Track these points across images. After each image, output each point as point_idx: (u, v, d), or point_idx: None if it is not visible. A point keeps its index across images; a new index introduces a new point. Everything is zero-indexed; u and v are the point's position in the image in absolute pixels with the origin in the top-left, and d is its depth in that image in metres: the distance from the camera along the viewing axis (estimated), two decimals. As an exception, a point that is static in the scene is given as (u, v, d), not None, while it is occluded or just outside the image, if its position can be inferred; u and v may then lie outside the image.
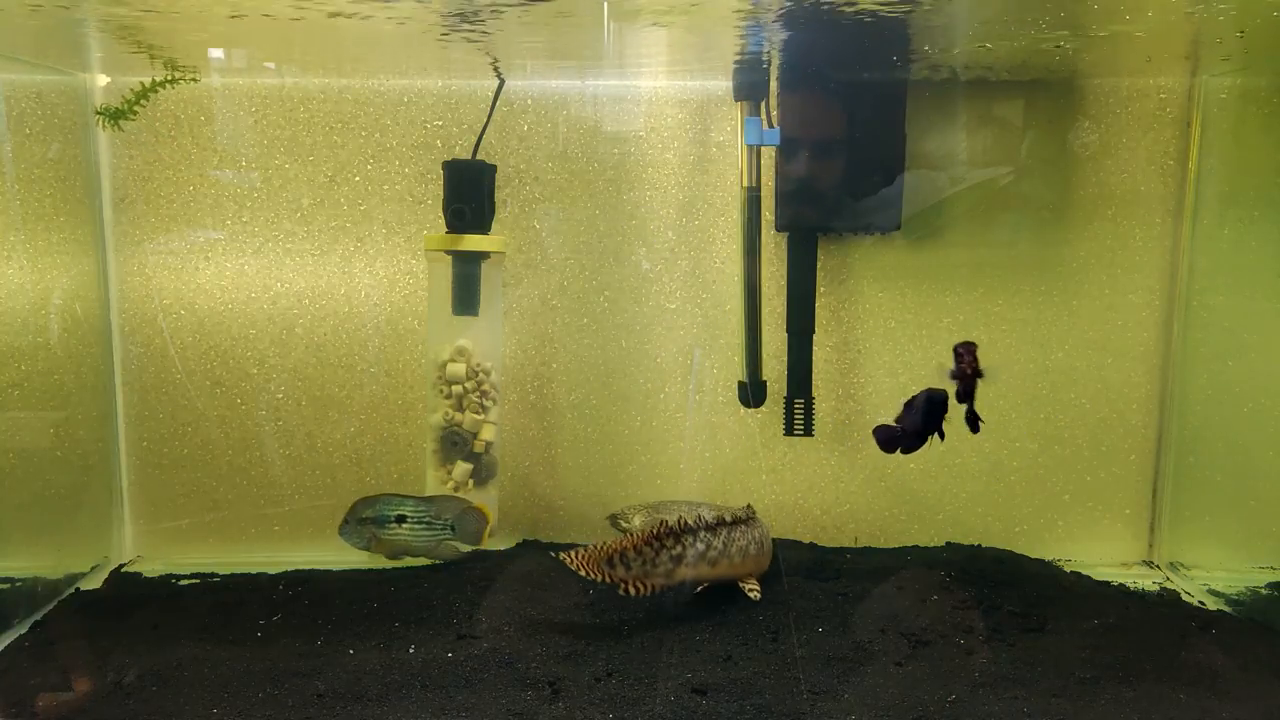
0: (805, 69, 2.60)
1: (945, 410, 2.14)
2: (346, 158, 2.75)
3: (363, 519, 2.50)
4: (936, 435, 2.15)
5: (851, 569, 2.68)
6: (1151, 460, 2.86)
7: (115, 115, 2.54)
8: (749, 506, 2.53)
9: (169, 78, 2.55)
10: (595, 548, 2.23)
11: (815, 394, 2.76)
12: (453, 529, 2.51)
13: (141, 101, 2.55)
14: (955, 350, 2.16)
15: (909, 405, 2.19)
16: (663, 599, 2.33)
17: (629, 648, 2.20)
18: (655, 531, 2.28)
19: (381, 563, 2.74)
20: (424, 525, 2.49)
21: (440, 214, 2.63)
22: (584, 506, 2.88)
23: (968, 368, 2.14)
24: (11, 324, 2.48)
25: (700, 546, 2.33)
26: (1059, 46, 2.30)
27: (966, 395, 2.15)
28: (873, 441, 2.82)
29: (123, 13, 2.07)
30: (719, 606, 2.37)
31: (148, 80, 2.56)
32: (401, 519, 2.49)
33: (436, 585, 2.51)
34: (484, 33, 2.20)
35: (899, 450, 2.21)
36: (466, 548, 2.58)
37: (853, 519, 2.89)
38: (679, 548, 2.30)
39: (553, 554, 2.47)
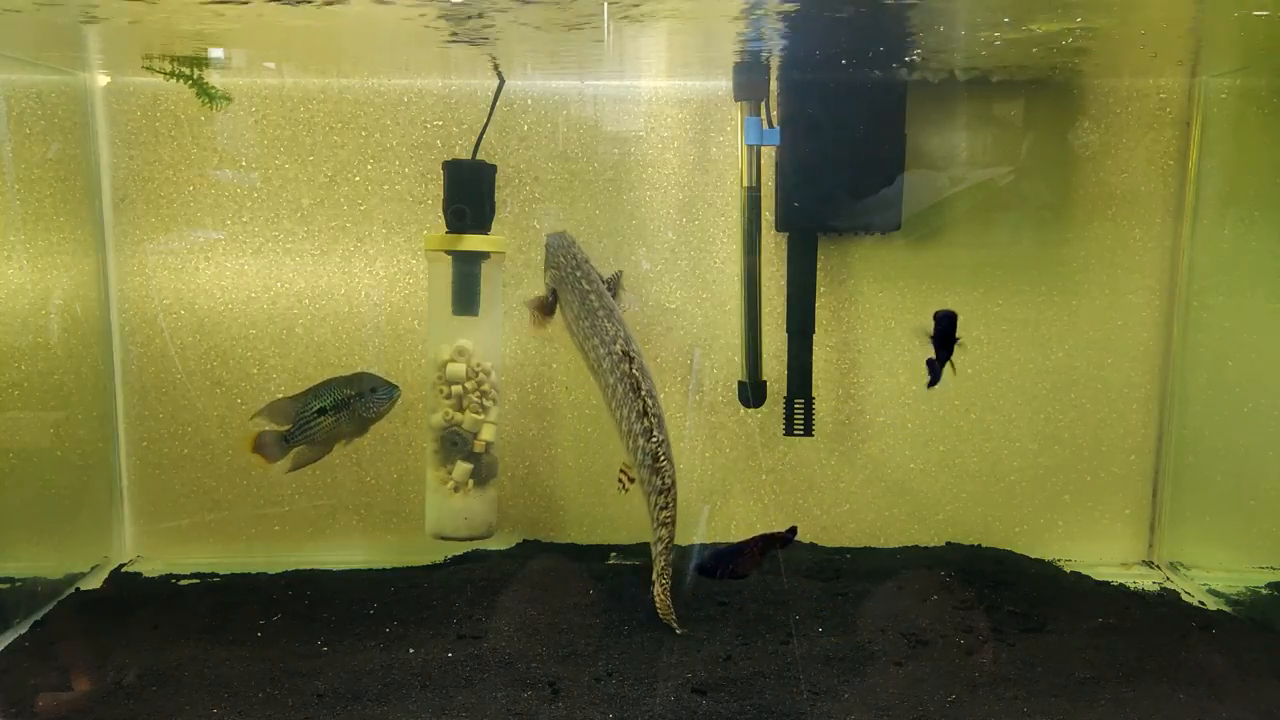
0: (805, 68, 2.60)
1: (950, 329, 2.28)
2: (346, 158, 2.75)
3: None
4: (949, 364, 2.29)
5: (851, 569, 2.68)
6: (1151, 460, 2.86)
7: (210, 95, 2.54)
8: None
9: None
10: None
11: (815, 394, 2.76)
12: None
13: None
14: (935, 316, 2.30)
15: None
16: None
17: (629, 648, 2.20)
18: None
19: (381, 562, 2.74)
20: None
21: (440, 214, 2.63)
22: (584, 506, 2.89)
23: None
24: (11, 324, 2.48)
25: None
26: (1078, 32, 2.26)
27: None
28: (872, 441, 2.86)
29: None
30: (719, 606, 2.37)
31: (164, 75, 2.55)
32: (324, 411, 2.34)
33: (436, 585, 2.51)
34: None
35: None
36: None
37: (853, 519, 2.89)
38: None
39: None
